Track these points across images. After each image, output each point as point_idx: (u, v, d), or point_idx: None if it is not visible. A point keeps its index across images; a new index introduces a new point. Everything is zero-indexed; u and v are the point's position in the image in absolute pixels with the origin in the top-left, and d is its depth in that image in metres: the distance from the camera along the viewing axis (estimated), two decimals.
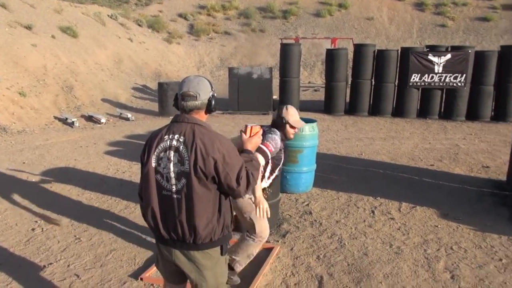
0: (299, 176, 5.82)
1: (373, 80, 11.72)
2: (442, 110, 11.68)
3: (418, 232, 4.80)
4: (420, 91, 11.52)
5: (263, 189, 3.53)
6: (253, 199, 3.36)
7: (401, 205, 5.54)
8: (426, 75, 11.15)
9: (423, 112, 11.63)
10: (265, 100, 11.85)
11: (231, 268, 3.45)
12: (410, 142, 9.03)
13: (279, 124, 3.56)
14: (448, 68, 11.01)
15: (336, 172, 6.95)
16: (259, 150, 3.22)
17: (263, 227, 3.54)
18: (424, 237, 4.68)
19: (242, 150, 2.58)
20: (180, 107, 2.44)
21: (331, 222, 5.00)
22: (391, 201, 5.67)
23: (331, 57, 11.94)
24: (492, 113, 11.46)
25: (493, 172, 7.01)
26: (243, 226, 3.67)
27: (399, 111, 11.70)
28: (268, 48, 21.23)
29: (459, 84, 11.15)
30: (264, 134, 3.29)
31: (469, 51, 11.17)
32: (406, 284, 3.76)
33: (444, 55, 11.06)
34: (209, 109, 2.46)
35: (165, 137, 2.40)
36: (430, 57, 11.09)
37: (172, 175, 2.33)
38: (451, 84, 11.13)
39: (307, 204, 5.53)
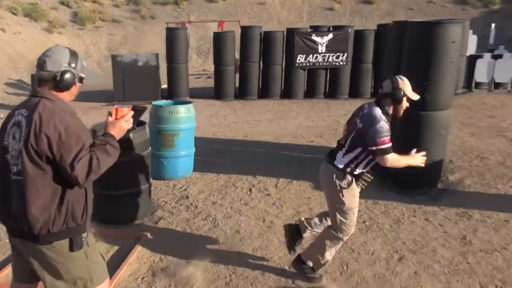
0: (176, 160, 5.64)
1: (261, 63, 11.84)
2: (327, 89, 12.15)
3: (292, 205, 4.90)
4: (306, 71, 11.88)
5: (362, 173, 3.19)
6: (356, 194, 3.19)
7: (278, 181, 5.63)
8: (311, 56, 11.51)
9: (310, 93, 12.02)
10: (153, 88, 11.43)
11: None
12: (295, 121, 9.28)
13: (398, 98, 3.02)
14: (330, 47, 11.44)
15: (219, 155, 6.88)
16: (381, 152, 2.94)
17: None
18: (296, 209, 4.79)
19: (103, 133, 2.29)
20: None
21: (207, 204, 4.91)
22: (269, 178, 5.73)
23: (218, 40, 11.83)
24: (372, 89, 12.17)
25: None
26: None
27: (287, 93, 11.97)
28: (159, 35, 20.57)
29: (341, 63, 11.67)
30: (369, 124, 2.97)
31: (349, 30, 11.70)
32: (273, 255, 3.80)
33: (327, 35, 11.48)
34: (57, 85, 2.15)
35: (16, 112, 2.14)
36: (314, 37, 11.45)
37: (14, 153, 2.07)
38: (334, 63, 11.60)
39: (185, 189, 5.39)
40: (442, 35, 4.64)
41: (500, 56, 11.92)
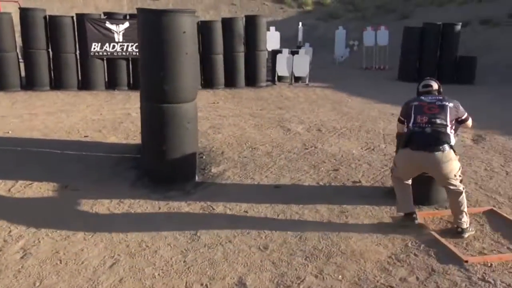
0: None
1: (50, 50, 10.63)
2: (131, 80, 11.49)
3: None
4: (105, 61, 11.05)
5: None
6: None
7: (15, 184, 4.86)
8: (107, 44, 10.71)
9: (112, 83, 11.23)
10: None
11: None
12: (80, 115, 8.45)
13: None
14: (128, 37, 10.77)
15: None
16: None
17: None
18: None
19: None
20: None
21: None
22: (5, 181, 4.92)
23: None
24: None
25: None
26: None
27: (85, 84, 11.00)
28: None
29: None
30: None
31: None
32: None
33: (122, 23, 10.80)
34: None
35: None
36: (108, 25, 10.67)
37: None
38: (133, 53, 10.96)
39: None
40: (172, 25, 4.39)
41: (297, 52, 12.68)
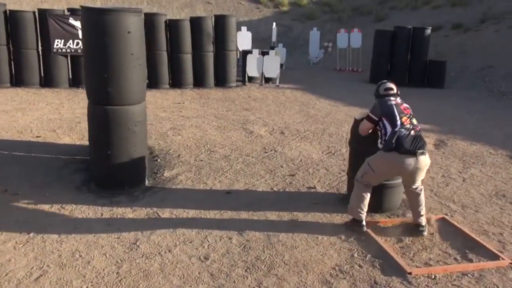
0: None
1: (10, 46, 10.24)
2: None
3: None
4: (69, 58, 10.71)
5: None
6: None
7: None
8: (71, 41, 10.38)
9: (76, 81, 10.87)
10: None
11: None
12: (37, 113, 8.15)
13: None
14: None
15: None
16: None
17: None
18: None
19: None
20: None
21: None
22: None
23: None
24: (147, 80, 11.60)
25: None
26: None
27: (47, 81, 10.64)
28: None
29: None
30: None
31: None
32: None
33: None
34: None
35: None
36: (72, 21, 10.33)
37: None
38: None
39: None
40: (116, 24, 4.19)
41: (267, 53, 12.54)
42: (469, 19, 17.13)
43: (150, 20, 10.70)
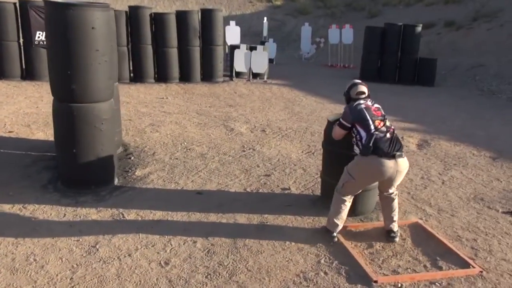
0: None
1: None
2: None
3: None
4: None
5: None
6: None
7: None
8: None
9: None
10: None
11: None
12: (14, 107, 7.99)
13: None
14: None
15: None
16: None
17: None
18: None
19: None
20: None
21: None
22: None
23: None
24: (131, 74, 11.41)
25: None
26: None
27: (29, 73, 10.45)
28: None
29: None
30: None
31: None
32: None
33: None
34: None
35: None
36: None
37: None
38: None
39: None
40: (79, 20, 4.02)
41: (255, 48, 12.37)
42: (462, 17, 17.01)
43: (134, 14, 10.51)
